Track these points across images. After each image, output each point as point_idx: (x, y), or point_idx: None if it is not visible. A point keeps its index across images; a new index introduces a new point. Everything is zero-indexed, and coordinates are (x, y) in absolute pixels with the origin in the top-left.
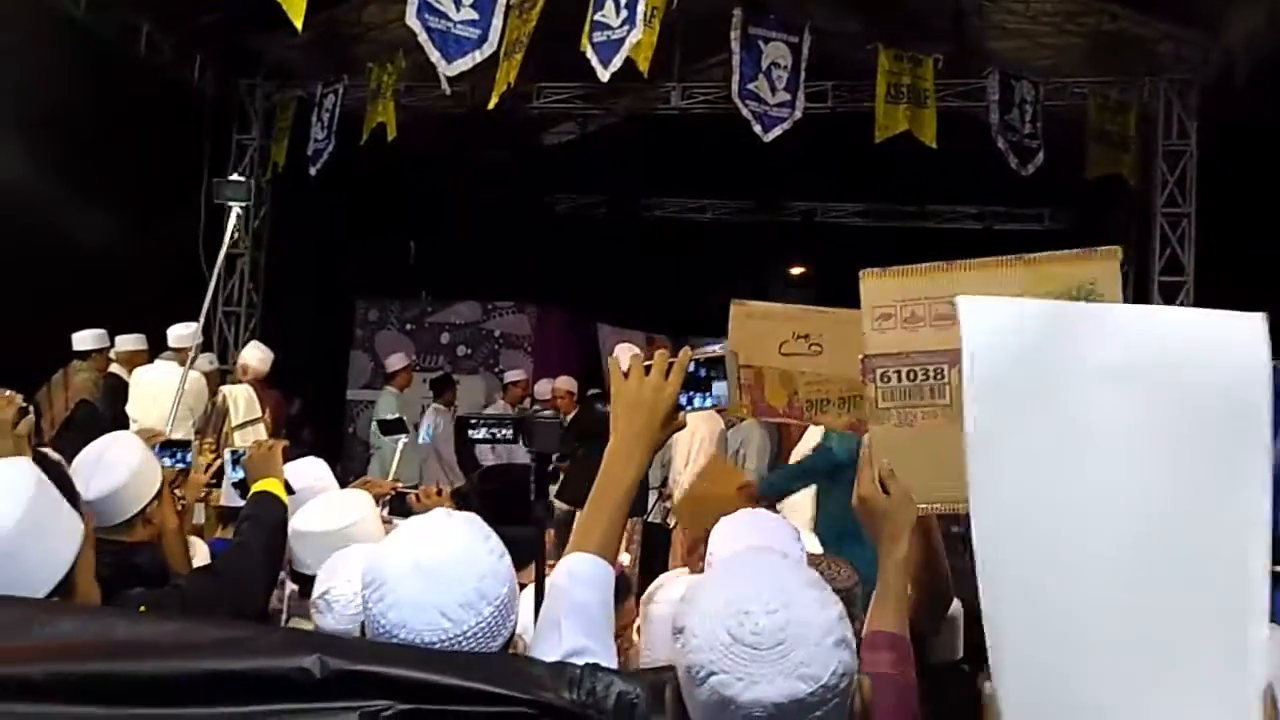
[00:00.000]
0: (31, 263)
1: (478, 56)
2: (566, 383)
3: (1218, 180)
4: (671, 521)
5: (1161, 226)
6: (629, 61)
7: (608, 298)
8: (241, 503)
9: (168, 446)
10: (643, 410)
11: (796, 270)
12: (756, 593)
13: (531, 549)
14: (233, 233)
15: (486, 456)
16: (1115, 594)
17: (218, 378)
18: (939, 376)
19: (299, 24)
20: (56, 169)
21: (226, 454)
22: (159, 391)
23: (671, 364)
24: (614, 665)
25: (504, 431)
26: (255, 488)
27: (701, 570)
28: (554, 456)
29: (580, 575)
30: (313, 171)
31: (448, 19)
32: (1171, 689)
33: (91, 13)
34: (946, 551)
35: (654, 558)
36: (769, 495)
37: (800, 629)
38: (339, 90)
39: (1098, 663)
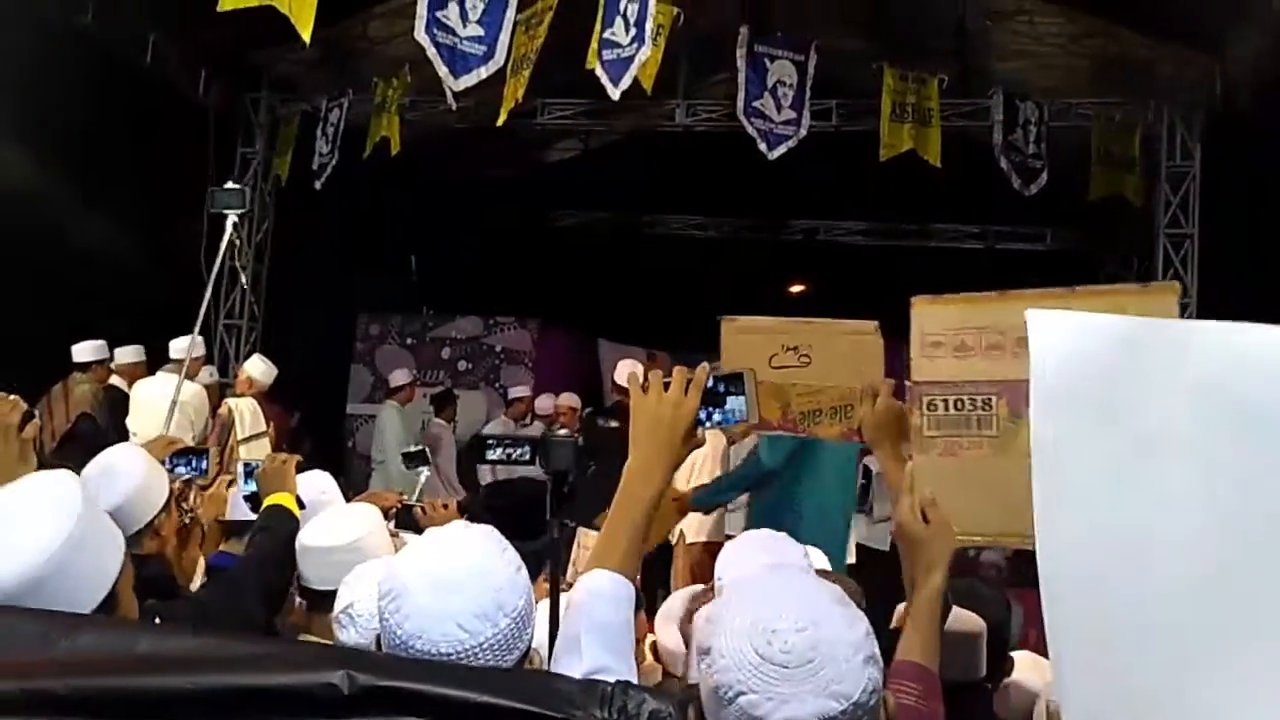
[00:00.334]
0: (36, 272)
1: (484, 72)
2: (569, 399)
3: (1221, 202)
4: (673, 538)
5: (1165, 247)
6: (633, 79)
7: (609, 314)
8: (251, 516)
9: (183, 454)
10: (663, 427)
11: (798, 288)
12: (783, 611)
13: (541, 563)
14: (229, 241)
15: (485, 474)
16: (1188, 612)
17: (219, 391)
18: (986, 407)
19: (307, 36)
20: (62, 179)
21: (239, 467)
22: (159, 404)
23: (689, 380)
24: (636, 683)
25: (519, 452)
26: (268, 501)
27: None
28: (569, 476)
29: (601, 593)
30: (317, 185)
31: (455, 34)
32: (1243, 709)
33: (99, 24)
34: (964, 570)
35: (653, 573)
36: (700, 507)
37: (830, 647)
38: (344, 104)
39: (1168, 678)
